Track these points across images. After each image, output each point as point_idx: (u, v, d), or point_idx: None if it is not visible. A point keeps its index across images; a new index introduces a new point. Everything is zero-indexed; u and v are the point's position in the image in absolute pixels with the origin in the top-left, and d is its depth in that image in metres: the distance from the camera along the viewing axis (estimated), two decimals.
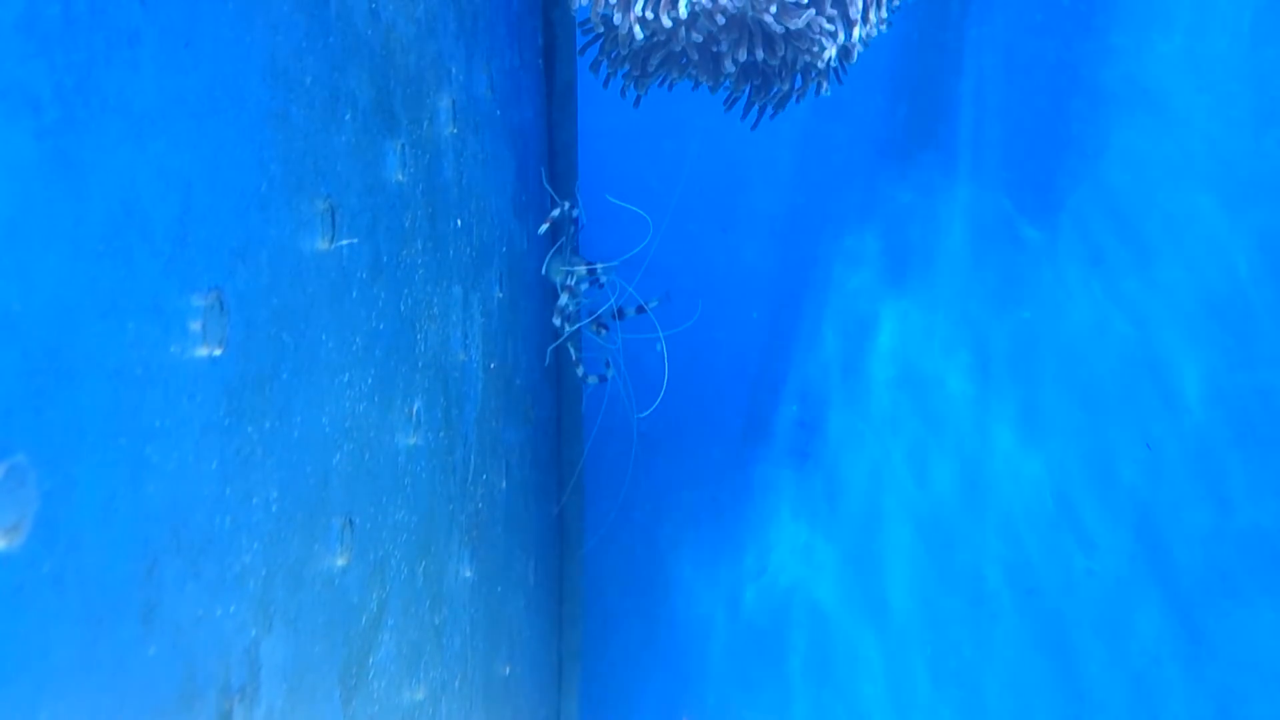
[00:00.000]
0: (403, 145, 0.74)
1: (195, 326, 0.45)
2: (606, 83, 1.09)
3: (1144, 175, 1.44)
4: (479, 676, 0.97)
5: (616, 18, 0.95)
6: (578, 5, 0.98)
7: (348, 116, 0.64)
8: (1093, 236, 1.45)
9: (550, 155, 1.33)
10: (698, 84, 1.06)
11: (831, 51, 0.98)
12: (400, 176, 0.74)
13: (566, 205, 1.19)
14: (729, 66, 0.97)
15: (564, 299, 1.17)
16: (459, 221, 0.90)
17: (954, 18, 1.48)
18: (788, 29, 0.94)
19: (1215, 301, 1.41)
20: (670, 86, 1.08)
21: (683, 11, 0.92)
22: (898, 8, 1.03)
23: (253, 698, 0.50)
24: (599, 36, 1.07)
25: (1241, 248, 1.41)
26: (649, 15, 0.93)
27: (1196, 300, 1.42)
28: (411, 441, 0.76)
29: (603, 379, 1.25)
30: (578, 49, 1.12)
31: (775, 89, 1.07)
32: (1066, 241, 1.46)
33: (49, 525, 0.35)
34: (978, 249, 1.48)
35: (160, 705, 0.42)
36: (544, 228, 1.18)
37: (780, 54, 0.98)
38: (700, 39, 0.96)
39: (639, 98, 1.09)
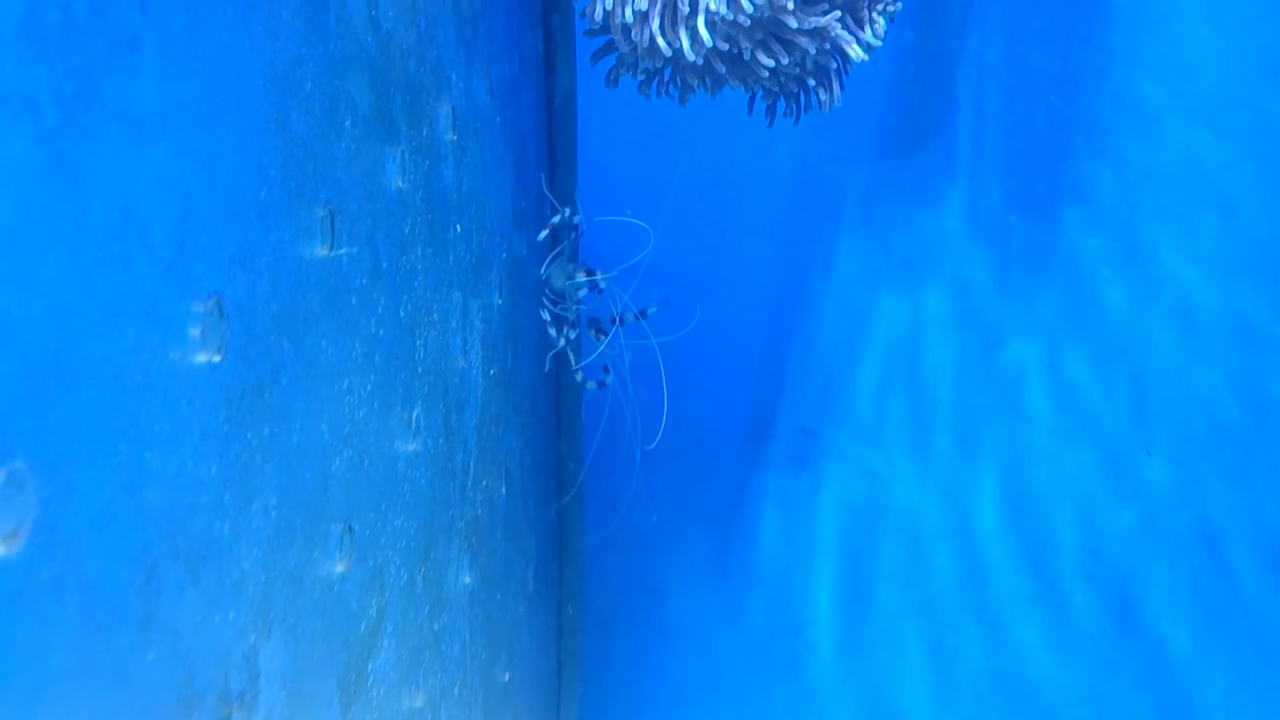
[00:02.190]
0: (402, 151, 0.75)
1: (195, 333, 0.45)
2: (615, 83, 1.09)
3: (1142, 181, 1.44)
4: (478, 683, 0.97)
5: (634, 33, 0.95)
6: (586, 18, 0.98)
7: (347, 123, 0.64)
8: (1091, 242, 1.45)
9: (550, 161, 1.33)
10: (714, 92, 1.06)
11: (857, 51, 0.97)
12: (400, 183, 0.74)
13: (567, 211, 1.19)
14: (764, 61, 0.96)
15: (552, 331, 1.17)
16: (459, 228, 0.90)
17: (953, 22, 1.48)
18: (806, 27, 0.94)
19: (1213, 308, 1.41)
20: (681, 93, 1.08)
21: (706, 37, 0.91)
22: (897, 12, 1.03)
23: (251, 704, 0.50)
24: (609, 45, 1.06)
25: (1239, 254, 1.41)
26: (669, 37, 0.93)
27: (1194, 306, 1.42)
28: (411, 448, 0.76)
29: (602, 385, 1.25)
30: (588, 57, 1.11)
31: (798, 93, 1.06)
32: (1065, 247, 1.46)
33: (48, 532, 0.35)
34: (977, 253, 1.48)
35: (159, 712, 0.42)
36: (544, 234, 1.18)
37: (799, 55, 0.97)
38: (726, 47, 0.96)
39: (657, 95, 1.08)
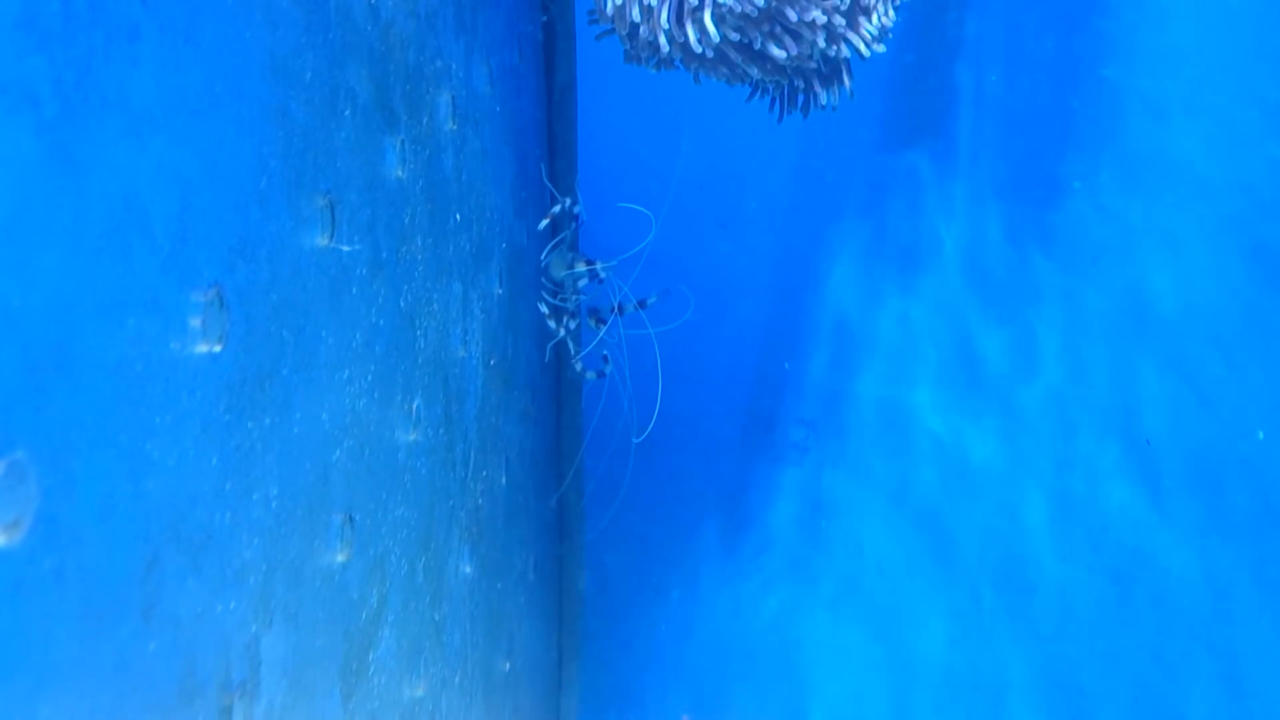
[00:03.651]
0: (402, 141, 0.74)
1: (195, 323, 0.45)
2: (626, 59, 1.08)
3: (1140, 173, 1.44)
4: (479, 672, 0.97)
5: (643, 30, 0.94)
6: (596, 13, 0.97)
7: (347, 112, 0.64)
8: (1090, 233, 1.45)
9: (550, 151, 1.33)
10: (733, 81, 1.05)
11: (858, 44, 0.97)
12: (400, 173, 0.74)
13: (567, 201, 1.19)
14: (775, 53, 0.96)
15: (551, 323, 1.17)
16: (459, 217, 0.90)
17: (953, 15, 1.48)
18: (806, 19, 0.93)
19: (1211, 300, 1.41)
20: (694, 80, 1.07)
21: (712, 31, 0.91)
22: (900, 5, 1.02)
23: (253, 693, 0.50)
24: (610, 32, 1.06)
25: (1236, 248, 1.41)
26: (676, 32, 0.92)
27: (1193, 299, 1.42)
28: (411, 438, 0.76)
29: (601, 374, 1.25)
30: (593, 36, 1.11)
31: (801, 86, 1.06)
32: (1064, 238, 1.46)
33: (49, 521, 0.35)
34: (976, 244, 1.47)
35: (161, 701, 0.42)
36: (544, 223, 1.18)
37: (807, 46, 0.97)
38: (736, 37, 0.95)
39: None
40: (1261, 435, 1.39)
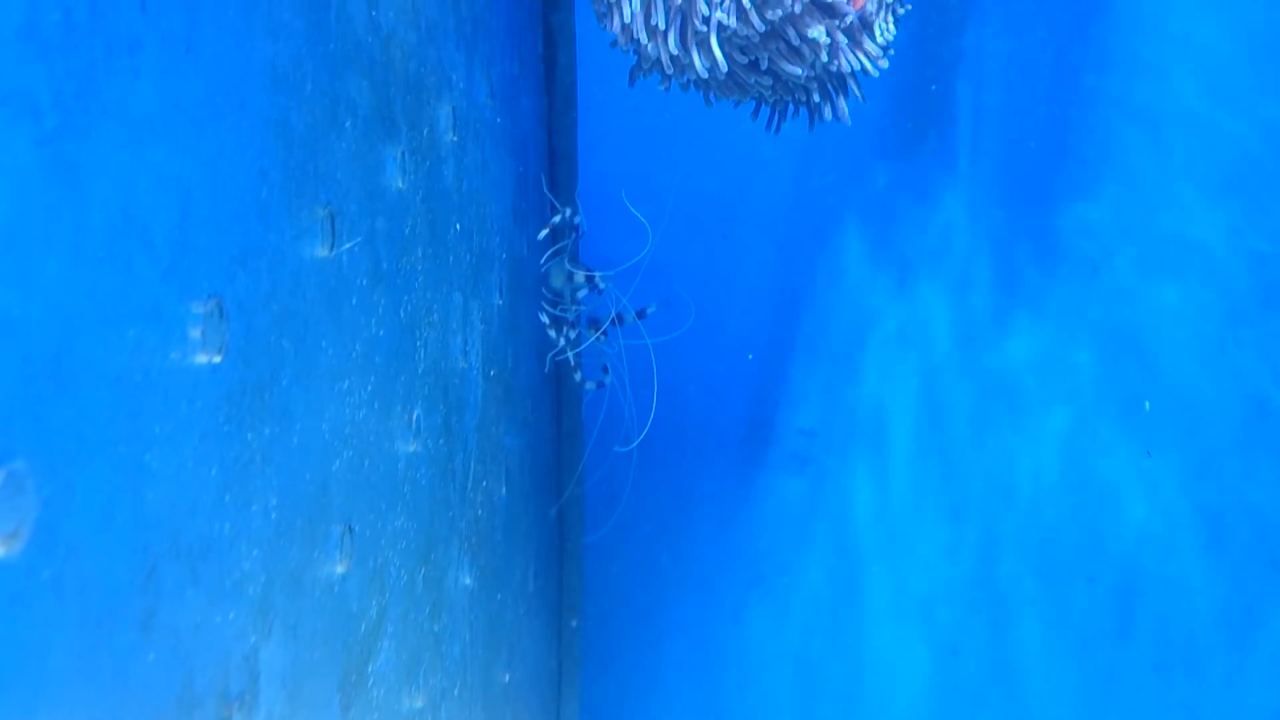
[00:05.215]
0: (403, 152, 0.75)
1: (195, 333, 0.45)
2: (632, 83, 1.08)
3: (1142, 183, 1.44)
4: (478, 684, 0.97)
5: (651, 48, 0.94)
6: (604, 26, 0.97)
7: (348, 123, 0.64)
8: (1091, 243, 1.45)
9: (551, 162, 1.33)
10: (739, 102, 1.05)
11: (868, 65, 0.97)
12: (400, 183, 0.74)
13: (568, 211, 1.19)
14: (790, 70, 0.96)
15: (552, 333, 1.17)
16: (459, 228, 0.90)
17: (953, 23, 1.48)
18: (809, 37, 0.93)
19: (1212, 312, 1.41)
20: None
21: (719, 58, 0.91)
22: (902, 16, 1.02)
23: (251, 705, 0.50)
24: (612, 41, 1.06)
25: (1239, 259, 1.41)
26: (683, 55, 0.92)
27: (1194, 309, 1.42)
28: (411, 448, 0.76)
29: (601, 385, 1.25)
30: (611, 46, 1.11)
31: (803, 100, 1.06)
32: (1065, 248, 1.46)
33: (48, 532, 0.35)
34: (977, 254, 1.48)
35: (159, 712, 0.42)
36: (544, 233, 1.18)
37: (810, 61, 0.97)
38: (744, 60, 0.95)
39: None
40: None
